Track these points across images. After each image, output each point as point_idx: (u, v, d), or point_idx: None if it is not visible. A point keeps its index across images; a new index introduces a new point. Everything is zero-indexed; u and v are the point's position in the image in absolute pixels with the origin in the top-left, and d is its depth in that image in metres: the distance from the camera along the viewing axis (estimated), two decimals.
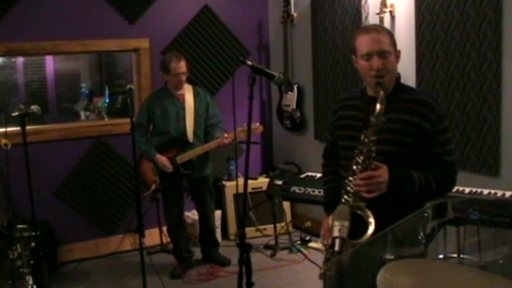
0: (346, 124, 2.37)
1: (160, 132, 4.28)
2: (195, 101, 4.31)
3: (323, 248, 2.43)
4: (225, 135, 4.20)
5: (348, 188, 2.18)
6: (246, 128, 4.20)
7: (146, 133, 4.31)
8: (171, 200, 4.37)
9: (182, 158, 4.22)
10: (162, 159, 4.20)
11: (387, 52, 2.20)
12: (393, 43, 2.25)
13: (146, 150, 4.24)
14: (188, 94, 4.32)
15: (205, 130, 4.37)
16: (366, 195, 2.13)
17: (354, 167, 2.17)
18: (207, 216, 4.52)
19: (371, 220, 2.08)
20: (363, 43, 2.23)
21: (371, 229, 2.06)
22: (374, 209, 2.12)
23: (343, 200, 2.19)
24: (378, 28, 2.31)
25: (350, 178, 2.18)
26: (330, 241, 2.09)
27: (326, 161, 2.60)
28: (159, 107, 4.25)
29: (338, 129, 2.44)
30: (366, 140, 2.14)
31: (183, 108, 4.27)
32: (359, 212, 2.11)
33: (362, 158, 2.15)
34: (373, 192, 2.12)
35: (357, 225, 2.04)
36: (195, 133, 4.29)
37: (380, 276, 1.50)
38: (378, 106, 2.12)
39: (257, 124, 4.36)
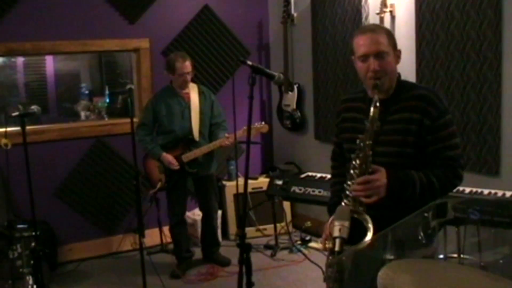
0: (350, 127, 2.33)
1: (165, 131, 4.27)
2: (200, 100, 4.32)
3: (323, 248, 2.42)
4: (226, 135, 4.20)
5: (347, 192, 2.15)
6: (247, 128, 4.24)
7: (151, 132, 4.30)
8: (175, 199, 4.38)
9: (188, 156, 4.22)
10: (168, 157, 4.19)
11: (385, 52, 2.16)
12: (392, 43, 2.21)
13: (151, 149, 4.24)
14: (193, 93, 4.32)
15: (210, 129, 4.38)
16: (365, 200, 2.09)
17: (352, 171, 2.15)
18: (210, 215, 4.52)
19: (370, 225, 2.02)
20: (359, 43, 2.19)
21: (369, 235, 2.00)
22: (376, 212, 2.07)
23: (343, 205, 2.16)
24: (375, 28, 2.27)
25: (349, 183, 2.15)
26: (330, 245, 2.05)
27: (334, 163, 2.57)
28: (165, 106, 4.24)
29: (343, 131, 2.40)
30: (362, 144, 2.11)
31: (188, 107, 4.27)
32: (355, 215, 2.04)
33: (358, 162, 2.12)
34: (372, 197, 2.08)
35: (356, 231, 1.96)
36: (200, 132, 4.29)
37: (382, 273, 1.50)
38: (372, 110, 2.10)
39: (262, 122, 4.37)
